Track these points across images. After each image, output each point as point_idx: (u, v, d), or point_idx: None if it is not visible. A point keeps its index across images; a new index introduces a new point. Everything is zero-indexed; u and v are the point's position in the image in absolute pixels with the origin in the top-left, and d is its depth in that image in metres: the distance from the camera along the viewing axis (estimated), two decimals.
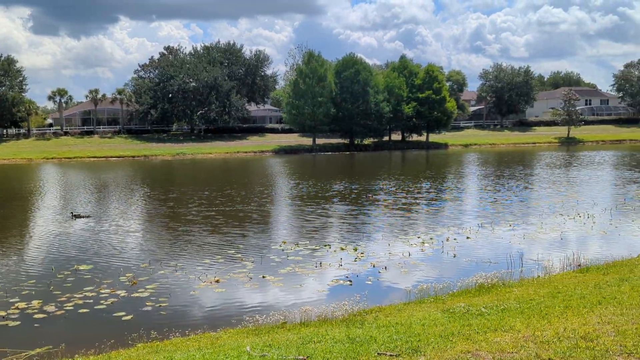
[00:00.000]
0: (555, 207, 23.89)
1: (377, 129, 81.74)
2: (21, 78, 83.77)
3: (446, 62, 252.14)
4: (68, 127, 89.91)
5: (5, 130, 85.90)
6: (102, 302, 11.97)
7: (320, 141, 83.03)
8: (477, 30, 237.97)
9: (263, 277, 13.78)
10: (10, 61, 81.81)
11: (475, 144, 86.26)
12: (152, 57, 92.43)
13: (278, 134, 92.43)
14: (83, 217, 23.65)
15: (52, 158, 69.25)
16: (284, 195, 31.05)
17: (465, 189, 32.39)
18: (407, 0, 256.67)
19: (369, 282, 13.23)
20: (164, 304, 11.79)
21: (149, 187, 37.35)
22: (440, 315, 8.20)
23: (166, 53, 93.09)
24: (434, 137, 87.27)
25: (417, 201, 26.72)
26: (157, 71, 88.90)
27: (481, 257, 15.33)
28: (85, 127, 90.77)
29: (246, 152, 76.79)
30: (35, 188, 37.78)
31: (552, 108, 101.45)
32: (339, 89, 79.70)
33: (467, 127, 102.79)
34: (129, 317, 11.03)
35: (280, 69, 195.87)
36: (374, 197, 28.48)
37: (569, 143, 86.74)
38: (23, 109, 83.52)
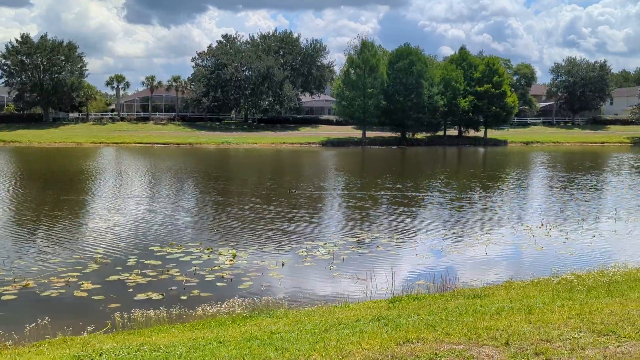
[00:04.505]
0: (529, 216, 20.57)
1: (431, 123, 78.00)
2: (81, 64, 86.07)
3: (538, 56, 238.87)
4: (126, 113, 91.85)
5: (67, 114, 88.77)
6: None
7: (371, 134, 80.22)
8: (572, 23, 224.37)
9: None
10: (71, 47, 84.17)
11: (537, 142, 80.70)
12: (209, 45, 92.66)
13: (331, 126, 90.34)
14: None
15: (100, 143, 70.41)
16: (266, 190, 29.05)
17: (472, 189, 29.08)
18: None
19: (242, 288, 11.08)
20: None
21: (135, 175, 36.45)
22: None
23: (223, 41, 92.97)
24: (493, 133, 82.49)
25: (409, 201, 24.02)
26: (212, 59, 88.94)
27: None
28: (142, 113, 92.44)
29: (292, 144, 75.19)
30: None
31: (631, 106, 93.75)
32: (392, 80, 76.50)
33: (535, 124, 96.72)
34: None
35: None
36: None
37: None
38: (82, 94, 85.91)
